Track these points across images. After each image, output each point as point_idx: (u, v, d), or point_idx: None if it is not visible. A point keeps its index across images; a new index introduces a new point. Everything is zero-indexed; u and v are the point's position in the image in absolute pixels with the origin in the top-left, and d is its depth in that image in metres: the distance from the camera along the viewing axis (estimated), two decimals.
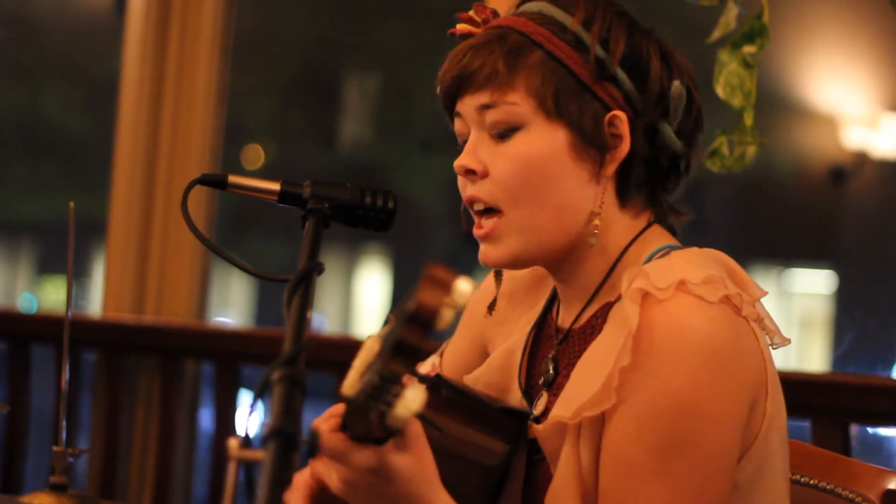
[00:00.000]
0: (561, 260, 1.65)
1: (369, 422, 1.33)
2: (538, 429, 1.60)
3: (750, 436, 1.55)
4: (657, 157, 1.65)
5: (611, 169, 1.62)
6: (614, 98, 1.62)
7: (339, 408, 1.43)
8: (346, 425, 1.40)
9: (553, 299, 1.74)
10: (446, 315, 1.24)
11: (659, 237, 1.65)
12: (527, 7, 1.67)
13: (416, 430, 1.42)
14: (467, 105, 1.64)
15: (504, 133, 1.61)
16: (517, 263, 1.65)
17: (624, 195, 1.64)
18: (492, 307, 1.76)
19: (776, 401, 1.57)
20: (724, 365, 1.51)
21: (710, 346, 1.50)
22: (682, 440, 1.49)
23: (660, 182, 1.67)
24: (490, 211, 1.63)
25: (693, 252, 1.61)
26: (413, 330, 1.24)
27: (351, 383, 1.33)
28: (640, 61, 1.63)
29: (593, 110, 1.61)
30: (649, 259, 1.62)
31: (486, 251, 1.64)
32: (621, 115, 1.61)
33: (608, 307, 1.62)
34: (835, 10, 4.72)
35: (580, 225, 1.62)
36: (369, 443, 1.39)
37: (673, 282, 1.52)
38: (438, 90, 1.67)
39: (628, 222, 1.64)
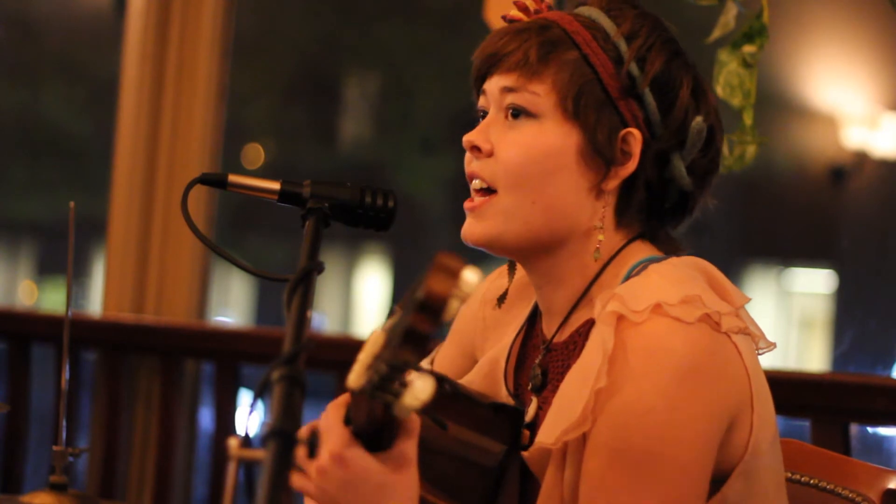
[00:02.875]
0: (542, 263, 1.65)
1: (373, 414, 1.32)
2: (526, 455, 1.60)
3: (735, 452, 1.54)
4: (663, 186, 1.65)
5: (612, 184, 1.62)
6: (635, 116, 1.62)
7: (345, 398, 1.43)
8: (349, 419, 1.40)
9: (538, 308, 1.74)
10: (454, 305, 1.24)
11: (639, 251, 1.64)
12: (580, 9, 1.68)
13: (411, 454, 1.41)
14: (493, 84, 1.65)
15: (518, 113, 1.62)
16: (495, 245, 1.64)
17: (622, 215, 1.64)
18: (502, 299, 1.76)
19: (763, 414, 1.56)
20: (699, 384, 1.50)
21: (685, 365, 1.50)
22: (654, 457, 1.49)
23: (660, 213, 1.66)
24: (487, 191, 1.64)
25: (671, 265, 1.60)
26: (422, 318, 1.23)
27: (356, 376, 1.32)
28: (670, 88, 1.63)
29: (611, 123, 1.61)
30: (627, 275, 1.61)
31: (469, 225, 1.65)
32: (636, 134, 1.61)
33: (590, 324, 1.62)
34: (835, 10, 4.73)
35: (568, 230, 1.62)
36: (370, 437, 1.39)
37: (649, 304, 1.51)
38: (472, 68, 1.69)
39: (618, 242, 1.64)
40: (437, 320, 1.23)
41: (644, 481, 1.49)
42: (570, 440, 1.53)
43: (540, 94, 1.61)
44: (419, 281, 1.24)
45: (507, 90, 1.63)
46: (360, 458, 1.39)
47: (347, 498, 1.41)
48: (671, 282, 1.54)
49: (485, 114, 1.67)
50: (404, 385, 1.26)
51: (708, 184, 1.68)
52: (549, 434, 1.54)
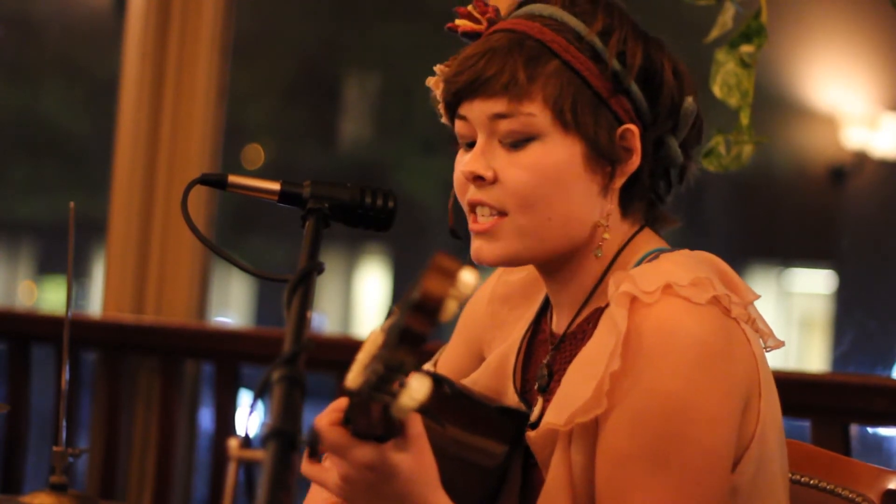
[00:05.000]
0: (556, 266, 1.64)
1: (372, 415, 1.33)
2: (531, 436, 1.59)
3: (745, 438, 1.54)
4: (657, 169, 1.65)
5: (620, 182, 1.61)
6: (626, 111, 1.60)
7: (341, 403, 1.42)
8: (348, 420, 1.40)
9: (547, 303, 1.73)
10: (451, 306, 1.23)
11: (648, 241, 1.64)
12: (535, 9, 1.63)
13: (418, 430, 1.41)
14: (477, 110, 1.60)
15: (518, 143, 1.59)
16: (512, 263, 1.63)
17: (627, 207, 1.63)
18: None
19: (770, 401, 1.57)
20: (716, 364, 1.50)
21: (701, 346, 1.49)
22: (675, 438, 1.49)
23: (658, 193, 1.67)
24: (494, 214, 1.60)
25: (683, 254, 1.60)
26: (418, 318, 1.23)
27: (354, 376, 1.32)
28: (654, 76, 1.61)
29: (608, 123, 1.59)
30: (639, 263, 1.61)
31: (481, 247, 1.61)
32: (633, 129, 1.60)
33: (599, 312, 1.61)
34: (835, 10, 4.73)
35: (584, 235, 1.61)
36: (371, 439, 1.39)
37: (659, 285, 1.51)
38: (442, 90, 1.64)
39: (626, 230, 1.64)
40: (434, 321, 1.23)
41: (668, 463, 1.49)
42: (579, 424, 1.52)
43: (535, 114, 1.57)
44: (416, 281, 1.25)
45: (499, 116, 1.58)
46: (387, 454, 1.39)
47: (379, 497, 1.42)
48: (682, 266, 1.55)
49: (471, 142, 1.63)
50: (401, 385, 1.26)
51: (695, 152, 1.68)
52: (557, 415, 1.53)
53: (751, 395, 1.54)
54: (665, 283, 1.51)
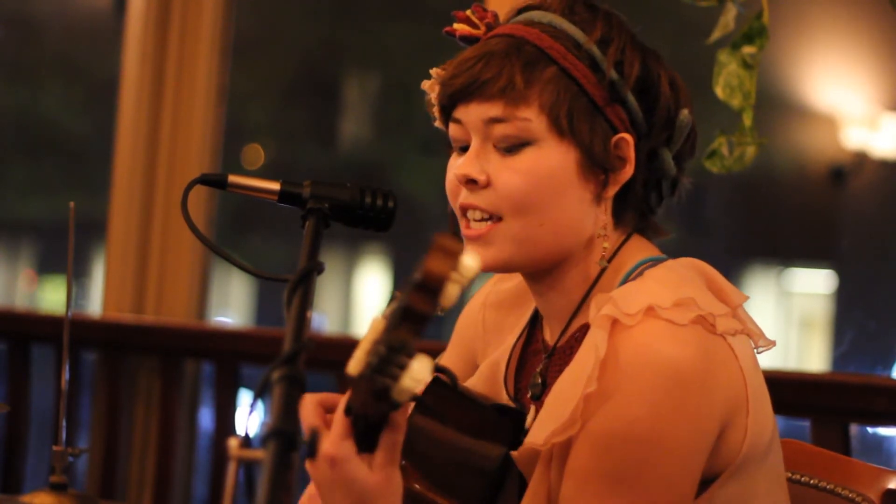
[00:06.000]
0: (544, 276, 1.64)
1: (369, 403, 1.32)
2: (515, 455, 1.60)
3: (728, 455, 1.54)
4: (650, 179, 1.65)
5: (612, 191, 1.61)
6: (622, 121, 1.60)
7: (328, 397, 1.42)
8: (349, 409, 1.40)
9: (538, 313, 1.73)
10: (452, 290, 1.23)
11: (637, 250, 1.64)
12: (535, 16, 1.63)
13: (394, 459, 1.40)
14: (472, 114, 1.61)
15: (512, 147, 1.59)
16: (505, 269, 1.64)
17: (620, 216, 1.64)
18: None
19: (760, 415, 1.55)
20: (688, 393, 1.49)
21: (675, 373, 1.49)
22: (637, 463, 1.49)
23: (650, 204, 1.66)
24: (489, 218, 1.61)
25: (667, 268, 1.60)
26: (420, 297, 1.23)
27: (356, 362, 1.31)
28: (651, 87, 1.62)
29: (603, 131, 1.59)
30: (626, 277, 1.61)
31: (474, 253, 1.62)
32: (628, 139, 1.60)
33: (586, 328, 1.61)
34: (835, 10, 4.73)
35: (575, 244, 1.61)
36: (365, 431, 1.39)
37: (641, 307, 1.51)
38: (438, 93, 1.64)
39: (617, 240, 1.64)
40: (435, 300, 1.23)
41: (625, 490, 1.49)
42: (557, 444, 1.53)
43: (531, 119, 1.58)
44: (419, 262, 1.25)
45: (495, 120, 1.59)
46: (348, 461, 1.39)
47: (333, 497, 1.41)
48: (666, 285, 1.54)
49: (464, 146, 1.63)
50: (402, 367, 1.26)
51: (686, 165, 1.68)
52: (538, 435, 1.54)
53: (735, 414, 1.53)
54: (647, 306, 1.51)
